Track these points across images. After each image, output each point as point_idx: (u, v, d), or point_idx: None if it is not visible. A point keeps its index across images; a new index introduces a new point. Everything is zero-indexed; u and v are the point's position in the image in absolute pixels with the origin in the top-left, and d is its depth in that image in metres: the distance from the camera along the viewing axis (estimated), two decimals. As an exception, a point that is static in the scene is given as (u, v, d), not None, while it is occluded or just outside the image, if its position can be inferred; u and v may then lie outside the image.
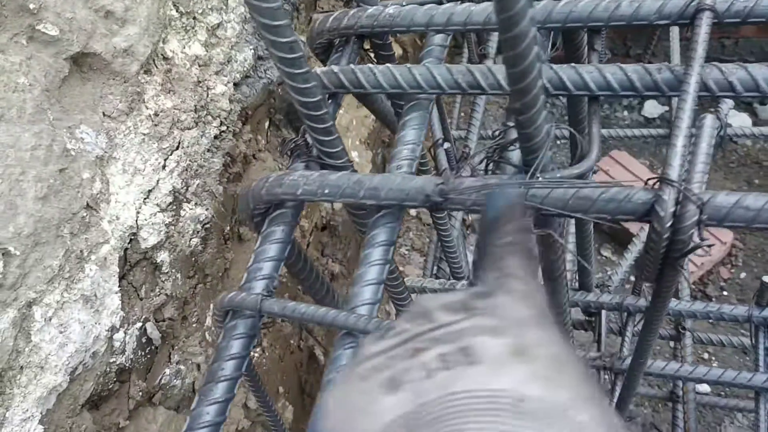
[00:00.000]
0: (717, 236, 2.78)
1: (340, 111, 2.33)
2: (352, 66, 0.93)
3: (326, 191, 0.82)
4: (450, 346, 0.34)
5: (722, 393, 2.40)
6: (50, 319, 1.04)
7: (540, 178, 0.76)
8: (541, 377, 0.33)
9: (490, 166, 0.85)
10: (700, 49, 0.77)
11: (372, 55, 1.09)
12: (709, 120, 0.72)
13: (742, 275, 2.83)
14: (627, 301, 1.61)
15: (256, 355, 1.76)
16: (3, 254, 0.95)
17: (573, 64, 0.83)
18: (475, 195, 0.75)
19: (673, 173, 0.70)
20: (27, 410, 1.01)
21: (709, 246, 0.69)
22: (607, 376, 1.61)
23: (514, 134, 0.86)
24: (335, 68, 0.92)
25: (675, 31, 2.46)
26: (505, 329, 0.36)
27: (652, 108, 3.63)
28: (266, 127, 1.78)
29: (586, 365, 0.36)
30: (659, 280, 0.79)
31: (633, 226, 2.69)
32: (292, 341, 1.96)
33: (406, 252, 3.01)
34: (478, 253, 0.51)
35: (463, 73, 0.87)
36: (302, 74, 0.77)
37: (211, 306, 1.54)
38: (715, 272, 2.82)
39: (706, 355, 2.62)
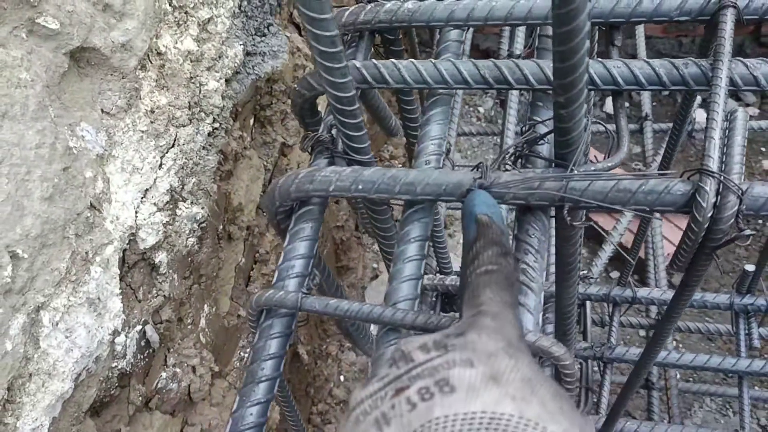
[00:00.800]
0: (678, 225, 2.87)
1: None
2: (374, 61, 0.92)
3: (360, 187, 0.82)
4: (428, 380, 0.38)
5: (690, 379, 2.48)
6: (57, 324, 1.00)
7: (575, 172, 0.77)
8: (513, 397, 0.36)
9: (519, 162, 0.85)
10: (727, 44, 0.79)
11: (381, 50, 1.09)
12: (740, 113, 0.75)
13: (705, 265, 2.92)
14: (614, 292, 1.65)
15: (246, 355, 1.73)
16: (11, 257, 0.91)
17: (600, 59, 0.85)
18: (517, 188, 0.75)
19: (713, 164, 0.71)
20: (36, 419, 0.97)
21: (748, 236, 0.71)
22: (597, 367, 1.64)
23: (542, 129, 0.87)
24: (357, 63, 0.91)
25: (641, 29, 2.53)
26: (477, 361, 0.39)
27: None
28: (251, 124, 1.75)
29: (556, 384, 0.40)
30: (690, 269, 0.81)
31: (608, 224, 2.75)
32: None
33: (379, 249, 3.01)
34: (461, 283, 0.56)
35: (490, 68, 0.88)
36: (341, 69, 0.76)
37: (206, 307, 1.51)
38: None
39: (674, 343, 2.70)
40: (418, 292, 0.78)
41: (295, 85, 0.97)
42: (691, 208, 0.72)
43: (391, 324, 0.74)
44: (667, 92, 1.00)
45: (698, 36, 3.25)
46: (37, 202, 0.95)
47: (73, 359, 1.04)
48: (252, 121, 1.72)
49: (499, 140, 3.55)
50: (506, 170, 0.81)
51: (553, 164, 0.82)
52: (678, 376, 1.89)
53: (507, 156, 0.83)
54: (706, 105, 0.77)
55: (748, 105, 3.54)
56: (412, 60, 0.91)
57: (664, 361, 1.52)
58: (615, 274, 2.92)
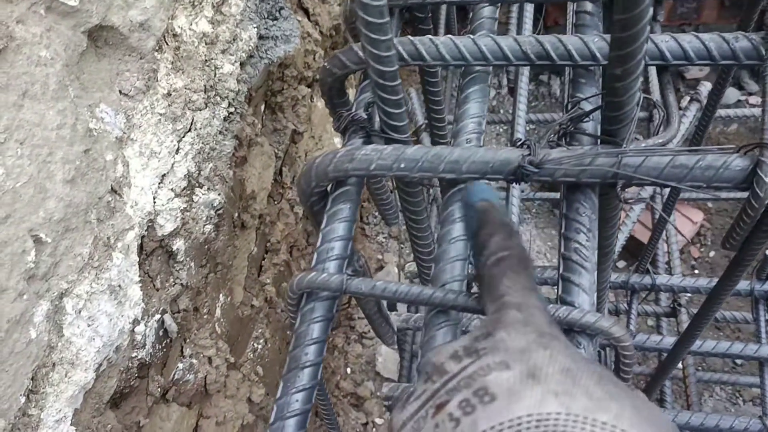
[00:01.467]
0: (688, 216, 2.86)
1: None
2: (410, 37, 0.89)
3: (402, 165, 0.79)
4: (467, 391, 0.37)
5: (700, 368, 2.47)
6: (80, 312, 0.97)
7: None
8: (555, 393, 0.35)
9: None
10: (781, 16, 0.76)
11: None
12: (797, 87, 0.72)
13: (711, 254, 2.93)
14: (632, 279, 1.63)
15: (259, 346, 1.70)
16: (35, 241, 0.88)
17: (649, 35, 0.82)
18: (569, 164, 0.73)
19: (774, 138, 0.69)
20: (59, 410, 0.94)
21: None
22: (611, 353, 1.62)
23: (587, 107, 0.84)
24: (394, 40, 0.88)
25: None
26: (512, 360, 0.38)
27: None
28: (262, 110, 1.72)
29: (597, 365, 0.38)
30: (744, 248, 0.79)
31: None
32: (288, 332, 1.91)
33: (384, 240, 2.98)
34: (477, 279, 0.54)
35: (532, 44, 0.85)
36: (386, 42, 0.73)
37: (221, 297, 1.47)
38: (686, 251, 2.90)
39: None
40: (465, 272, 0.76)
41: (325, 63, 0.94)
42: (750, 184, 0.70)
43: (442, 306, 0.71)
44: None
45: (701, 24, 3.24)
46: (59, 184, 0.92)
47: (95, 348, 1.00)
48: (263, 107, 1.69)
49: (501, 129, 3.53)
50: (552, 149, 0.78)
51: (599, 142, 0.80)
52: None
53: (552, 134, 0.81)
54: (760, 78, 0.75)
55: None
56: (450, 36, 0.88)
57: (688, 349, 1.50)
58: (621, 264, 2.92)
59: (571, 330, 0.69)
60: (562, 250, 0.74)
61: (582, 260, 0.73)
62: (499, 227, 0.54)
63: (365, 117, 0.89)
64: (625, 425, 0.34)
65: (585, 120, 0.83)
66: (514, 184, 0.77)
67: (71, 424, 0.96)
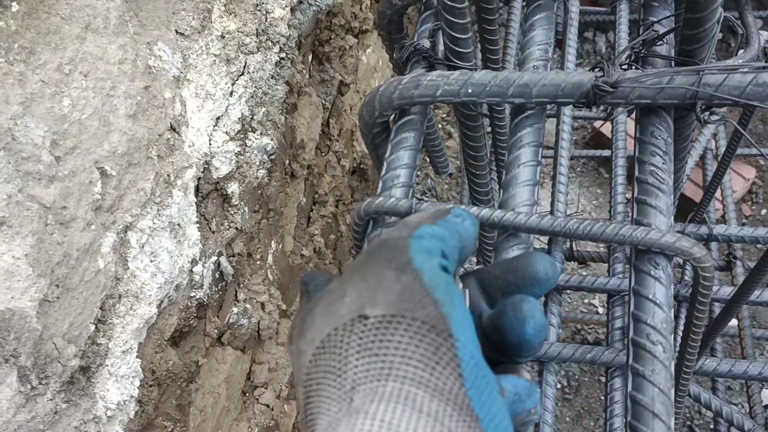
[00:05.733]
0: (740, 173, 2.79)
1: (368, 50, 2.26)
2: (473, -37, 0.87)
3: (470, 90, 0.77)
4: None
5: (754, 324, 2.43)
6: (143, 247, 0.98)
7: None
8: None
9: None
10: None
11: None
12: None
13: (763, 211, 2.85)
14: (688, 229, 1.60)
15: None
16: (101, 173, 0.88)
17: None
18: (645, 84, 0.71)
19: None
20: (126, 342, 0.96)
21: None
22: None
23: (660, 29, 0.81)
24: (457, -35, 0.86)
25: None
26: None
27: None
28: (310, 60, 1.71)
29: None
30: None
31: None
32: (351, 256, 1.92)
33: (425, 200, 2.97)
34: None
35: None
36: (455, -41, 0.71)
37: (273, 243, 1.48)
38: (737, 209, 2.83)
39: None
40: (535, 197, 0.74)
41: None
42: (839, 100, 0.67)
43: (515, 228, 0.70)
44: None
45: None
46: (122, 118, 0.92)
47: (157, 284, 1.02)
48: (311, 57, 1.67)
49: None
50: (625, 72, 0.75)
51: (674, 64, 0.77)
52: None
53: (624, 57, 0.78)
54: None
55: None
56: (516, -40, 0.86)
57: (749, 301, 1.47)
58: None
59: (648, 251, 0.67)
60: (637, 173, 0.72)
61: (658, 182, 0.70)
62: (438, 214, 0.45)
63: (428, 46, 0.87)
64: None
65: (659, 43, 0.80)
66: (585, 108, 0.74)
67: (136, 357, 0.98)
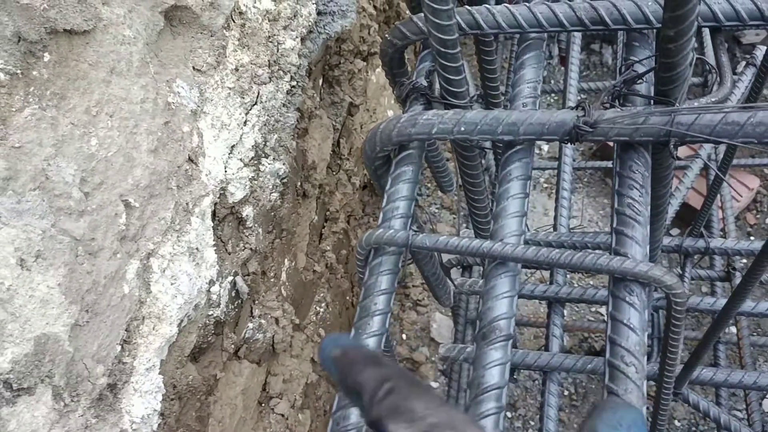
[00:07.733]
0: (744, 182, 2.83)
1: (377, 69, 2.33)
2: (467, 7, 0.94)
3: (462, 128, 0.84)
4: None
5: (755, 333, 2.46)
6: (164, 271, 1.05)
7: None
8: None
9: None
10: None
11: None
12: None
13: (768, 221, 2.89)
14: (686, 242, 1.65)
15: (321, 310, 1.78)
16: (125, 205, 0.96)
17: (699, -4, 0.85)
18: (623, 123, 0.77)
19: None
20: (149, 360, 1.03)
21: None
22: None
23: (640, 70, 0.88)
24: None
25: None
26: None
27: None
28: (320, 84, 1.78)
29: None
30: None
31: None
32: (347, 297, 1.99)
33: (437, 210, 3.04)
34: (372, 426, 0.44)
35: (586, 10, 0.88)
36: (447, 11, 0.78)
37: (286, 261, 1.56)
38: (741, 218, 2.87)
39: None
40: (523, 227, 0.81)
41: (386, 35, 0.99)
42: (802, 139, 0.72)
43: (503, 258, 0.76)
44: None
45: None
46: (144, 153, 1.00)
47: (177, 305, 1.09)
48: (321, 81, 1.75)
49: (552, 99, 3.52)
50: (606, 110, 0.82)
51: (652, 102, 0.83)
52: (730, 330, 1.89)
53: (606, 97, 0.84)
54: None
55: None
56: (506, 5, 0.92)
57: (753, 311, 1.52)
58: (674, 231, 2.91)
59: (624, 279, 0.73)
60: (616, 205, 0.78)
61: (635, 214, 0.77)
62: (364, 362, 0.47)
63: (425, 84, 0.94)
64: None
65: (638, 82, 0.86)
66: (568, 144, 0.80)
67: (159, 373, 1.05)
